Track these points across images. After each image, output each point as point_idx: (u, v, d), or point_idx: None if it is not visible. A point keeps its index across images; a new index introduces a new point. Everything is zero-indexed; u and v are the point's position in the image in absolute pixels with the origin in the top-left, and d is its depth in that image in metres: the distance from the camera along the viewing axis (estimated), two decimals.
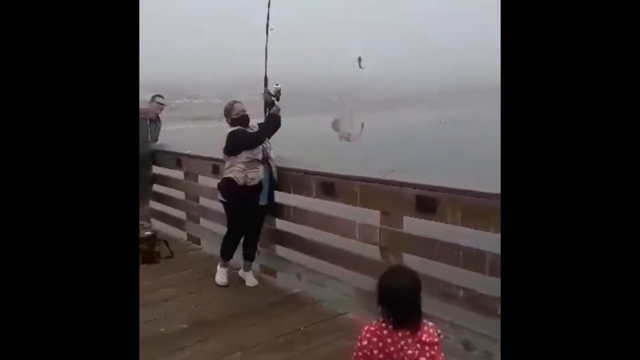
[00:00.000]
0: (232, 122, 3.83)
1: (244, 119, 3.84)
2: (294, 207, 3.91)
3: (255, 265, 4.41)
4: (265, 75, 3.90)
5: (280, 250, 4.19)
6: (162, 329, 3.28)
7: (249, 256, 4.02)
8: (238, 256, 4.08)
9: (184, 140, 5.73)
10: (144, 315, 3.44)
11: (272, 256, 4.25)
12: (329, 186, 3.49)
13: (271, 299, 3.72)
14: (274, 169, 3.88)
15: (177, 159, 5.46)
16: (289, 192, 3.95)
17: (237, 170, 3.72)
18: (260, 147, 3.80)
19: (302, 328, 3.21)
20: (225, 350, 2.97)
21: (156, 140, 5.89)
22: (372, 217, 3.35)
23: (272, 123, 3.81)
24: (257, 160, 3.79)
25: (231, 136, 3.76)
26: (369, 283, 3.40)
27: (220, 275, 3.96)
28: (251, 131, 3.82)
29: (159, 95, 5.83)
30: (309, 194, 3.68)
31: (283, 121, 3.84)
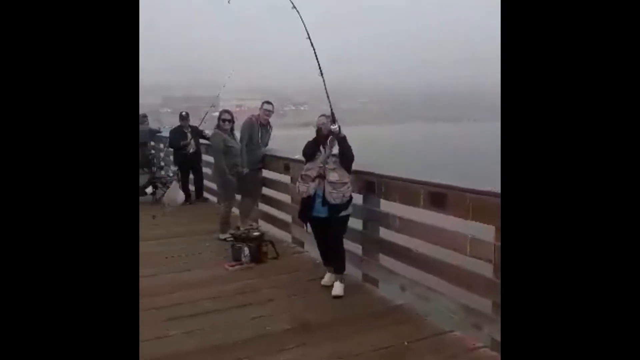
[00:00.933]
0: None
1: (317, 132, 4.01)
2: (400, 217, 3.82)
3: (357, 273, 4.39)
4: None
5: (383, 259, 4.12)
6: (268, 328, 3.38)
7: (334, 268, 4.05)
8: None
9: (292, 145, 5.86)
10: (251, 312, 3.66)
11: (375, 265, 4.20)
12: (439, 197, 3.35)
13: (374, 309, 3.67)
14: (328, 189, 3.81)
15: (285, 164, 5.63)
16: (395, 201, 3.87)
17: (298, 181, 4.03)
18: (317, 164, 3.89)
19: (405, 343, 3.11)
20: (326, 356, 2.97)
21: (266, 145, 6.12)
22: (483, 232, 3.16)
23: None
24: (309, 176, 3.89)
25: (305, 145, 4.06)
26: (479, 301, 3.21)
27: (326, 277, 4.10)
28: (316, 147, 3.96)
29: (268, 102, 6.04)
30: (416, 204, 3.57)
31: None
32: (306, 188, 3.90)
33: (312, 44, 4.25)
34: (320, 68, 4.15)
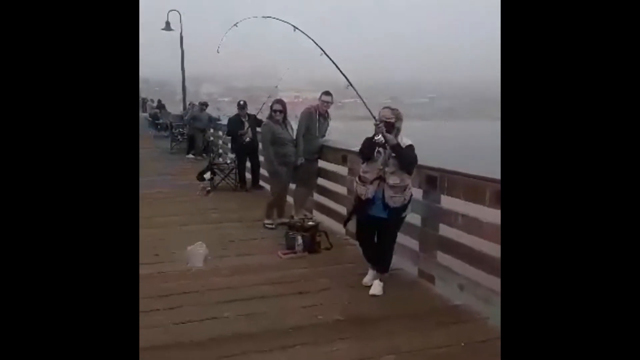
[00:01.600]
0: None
1: (377, 129, 3.67)
2: (463, 215, 3.67)
3: (413, 268, 4.28)
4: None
5: (442, 257, 3.98)
6: (320, 317, 3.35)
7: (377, 266, 3.89)
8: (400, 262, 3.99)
9: (350, 137, 5.78)
10: (303, 300, 3.64)
11: (432, 262, 4.07)
12: None
13: (430, 307, 3.56)
14: (388, 193, 3.61)
15: (343, 156, 5.56)
16: (459, 197, 3.72)
17: (355, 181, 3.83)
18: (376, 166, 3.64)
19: (462, 344, 2.99)
20: (379, 351, 2.90)
21: (323, 135, 6.08)
22: None
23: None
24: (367, 178, 3.67)
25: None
26: None
27: (367, 276, 3.93)
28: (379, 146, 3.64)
29: (327, 93, 5.96)
30: (480, 202, 3.41)
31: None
32: (364, 190, 3.69)
33: (331, 60, 4.10)
34: (347, 80, 4.19)
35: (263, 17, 5.76)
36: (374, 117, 3.81)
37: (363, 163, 3.78)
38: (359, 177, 3.78)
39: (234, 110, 8.63)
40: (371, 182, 3.65)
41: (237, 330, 3.14)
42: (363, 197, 3.71)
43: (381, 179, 3.62)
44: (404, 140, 3.67)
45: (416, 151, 3.68)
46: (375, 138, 3.62)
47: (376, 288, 3.78)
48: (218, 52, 6.19)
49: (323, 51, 4.86)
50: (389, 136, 3.58)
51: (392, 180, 3.60)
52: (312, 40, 4.47)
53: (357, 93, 4.67)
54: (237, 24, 6.02)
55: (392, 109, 3.74)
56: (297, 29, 4.96)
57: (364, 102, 4.46)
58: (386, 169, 3.61)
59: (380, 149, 3.63)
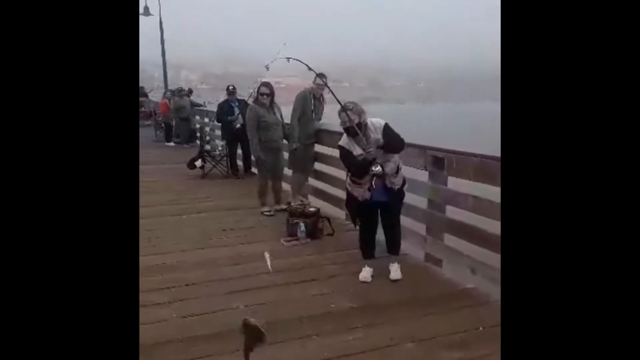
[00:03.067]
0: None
1: (346, 130, 3.49)
2: (474, 196, 3.60)
3: (420, 253, 4.22)
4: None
5: (450, 240, 3.92)
6: (332, 305, 3.26)
7: (390, 250, 3.79)
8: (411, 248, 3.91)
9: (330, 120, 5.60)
10: (313, 288, 3.55)
11: (439, 245, 4.00)
12: None
13: (441, 291, 3.50)
14: (389, 180, 3.50)
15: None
16: (468, 179, 3.64)
17: (347, 183, 3.70)
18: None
19: (480, 328, 2.93)
20: (398, 337, 2.83)
21: (319, 119, 5.95)
22: None
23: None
24: (362, 182, 3.52)
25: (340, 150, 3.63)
26: None
27: (365, 272, 3.74)
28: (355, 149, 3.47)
29: (321, 75, 5.76)
30: (492, 182, 3.33)
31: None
32: (361, 193, 3.55)
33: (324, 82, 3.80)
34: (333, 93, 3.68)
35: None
36: (340, 104, 3.50)
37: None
38: (351, 180, 3.62)
39: (212, 98, 8.42)
40: (369, 188, 3.49)
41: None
42: (361, 199, 3.59)
43: (377, 176, 3.44)
44: (375, 123, 3.48)
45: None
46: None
47: (396, 273, 3.70)
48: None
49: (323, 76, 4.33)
50: (375, 140, 3.41)
51: (389, 168, 3.48)
52: (306, 65, 4.10)
53: (332, 93, 4.17)
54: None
55: (349, 109, 3.42)
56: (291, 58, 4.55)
57: (337, 100, 4.00)
58: (378, 161, 3.42)
59: (356, 152, 3.46)
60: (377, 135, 3.45)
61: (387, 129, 3.49)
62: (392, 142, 3.46)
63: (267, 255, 2.53)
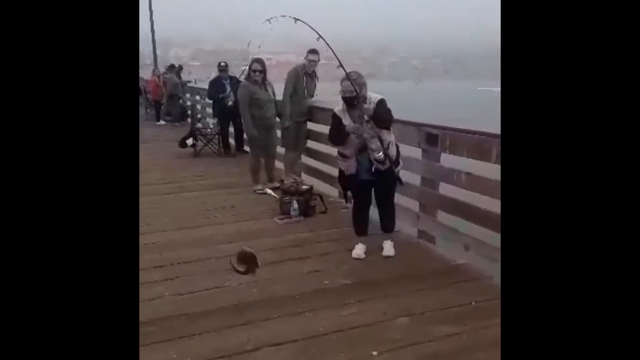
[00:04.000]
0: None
1: (345, 100, 3.46)
2: (466, 173, 3.60)
3: (413, 230, 4.24)
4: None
5: (445, 217, 3.94)
6: (326, 282, 3.28)
7: (383, 227, 3.81)
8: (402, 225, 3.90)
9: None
10: (306, 266, 3.57)
11: (432, 222, 4.02)
12: None
13: (434, 267, 3.53)
14: (372, 154, 3.44)
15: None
16: (462, 155, 3.64)
17: (337, 157, 3.69)
18: (353, 142, 3.45)
19: (473, 303, 2.97)
20: (391, 312, 2.86)
21: (312, 96, 5.89)
22: None
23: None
24: (346, 154, 3.53)
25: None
26: None
27: (358, 248, 3.74)
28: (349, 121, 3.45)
29: (313, 51, 5.67)
30: (487, 159, 3.34)
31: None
32: (347, 167, 3.56)
33: (327, 44, 3.71)
34: (340, 62, 3.43)
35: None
36: (351, 83, 3.39)
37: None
38: (339, 154, 3.63)
39: (203, 75, 8.32)
40: (356, 157, 3.50)
41: (241, 298, 3.05)
42: (347, 173, 3.61)
43: (363, 149, 3.45)
44: (372, 97, 3.46)
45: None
46: (375, 155, 3.39)
47: (389, 250, 3.73)
48: None
49: (321, 37, 4.30)
50: (366, 109, 3.37)
51: (374, 144, 3.43)
52: (312, 28, 3.99)
53: (343, 69, 4.07)
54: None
55: (353, 79, 3.38)
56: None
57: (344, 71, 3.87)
58: (365, 136, 3.41)
59: (350, 118, 3.44)
60: (370, 108, 3.42)
61: (380, 103, 3.46)
62: (380, 116, 3.41)
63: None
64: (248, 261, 3.42)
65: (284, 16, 4.50)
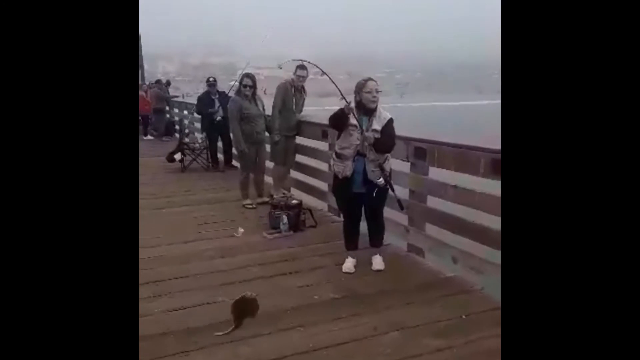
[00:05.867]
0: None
1: (347, 109, 3.46)
2: (454, 186, 3.64)
3: (402, 243, 4.26)
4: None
5: (434, 230, 3.97)
6: (316, 297, 3.28)
7: (373, 241, 3.82)
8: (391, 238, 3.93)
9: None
10: (296, 280, 3.56)
11: (421, 235, 4.05)
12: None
13: (424, 281, 3.55)
14: (370, 167, 3.48)
15: (323, 131, 5.44)
16: (450, 169, 3.68)
17: (332, 158, 3.69)
18: (354, 142, 3.46)
19: (463, 316, 2.99)
20: (382, 327, 2.86)
21: (301, 111, 5.93)
22: None
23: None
24: (344, 155, 3.51)
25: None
26: None
27: (348, 262, 3.75)
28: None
29: (302, 67, 5.68)
30: (474, 173, 3.38)
31: None
32: (342, 168, 3.54)
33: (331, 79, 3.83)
34: (342, 94, 3.53)
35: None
36: (343, 96, 3.52)
37: (338, 138, 3.60)
38: (336, 154, 3.61)
39: (191, 89, 8.33)
40: (353, 160, 3.49)
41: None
42: (340, 176, 3.57)
43: (361, 155, 3.47)
44: (383, 114, 3.50)
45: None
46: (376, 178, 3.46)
47: (379, 263, 3.74)
48: None
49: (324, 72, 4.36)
50: (367, 137, 3.43)
51: (374, 154, 3.47)
52: (321, 70, 4.07)
53: (332, 83, 4.04)
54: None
55: (377, 89, 3.45)
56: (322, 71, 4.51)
57: (337, 87, 3.74)
58: (366, 143, 3.45)
59: (356, 120, 3.44)
60: (378, 126, 3.46)
61: (389, 123, 3.49)
62: (385, 139, 3.45)
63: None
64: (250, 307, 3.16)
65: (296, 60, 4.66)
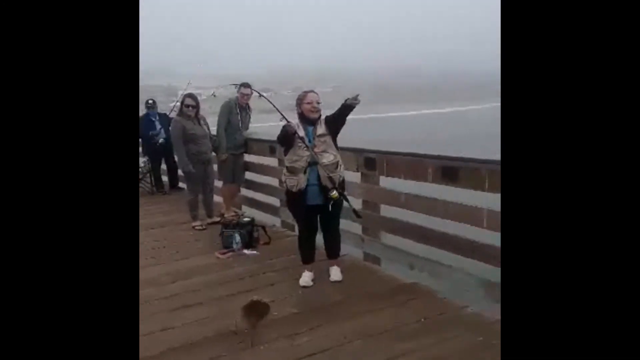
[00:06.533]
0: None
1: (305, 114, 3.53)
2: (406, 194, 3.73)
3: (358, 252, 4.29)
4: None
5: (388, 238, 4.03)
6: (275, 313, 3.21)
7: (329, 254, 3.83)
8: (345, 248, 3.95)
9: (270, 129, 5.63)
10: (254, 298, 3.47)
11: (377, 244, 4.10)
12: (451, 170, 3.27)
13: (382, 288, 3.57)
14: (323, 174, 3.47)
15: (271, 147, 5.43)
16: (399, 177, 3.77)
17: (283, 174, 3.68)
18: (303, 155, 3.46)
19: (422, 320, 3.03)
20: (345, 336, 2.85)
21: (247, 128, 5.89)
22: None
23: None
24: (296, 168, 3.49)
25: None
26: (494, 274, 3.17)
27: (305, 276, 3.72)
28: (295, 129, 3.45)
29: (245, 85, 5.67)
30: (423, 179, 3.48)
31: None
32: (296, 182, 3.51)
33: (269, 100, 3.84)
34: (282, 114, 3.57)
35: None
36: (283, 116, 3.55)
37: (286, 154, 3.58)
38: (287, 168, 3.58)
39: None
40: (304, 171, 3.48)
41: (189, 338, 2.92)
42: (295, 189, 3.53)
43: (314, 163, 3.45)
44: (321, 119, 3.58)
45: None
46: (330, 194, 3.45)
47: (336, 274, 3.72)
48: None
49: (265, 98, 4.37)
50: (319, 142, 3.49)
51: (326, 158, 3.47)
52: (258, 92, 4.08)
53: (270, 103, 3.82)
54: None
55: (317, 95, 3.59)
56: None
57: (275, 108, 3.72)
58: (316, 150, 3.45)
59: (301, 131, 3.46)
60: (323, 130, 3.52)
61: (327, 116, 3.57)
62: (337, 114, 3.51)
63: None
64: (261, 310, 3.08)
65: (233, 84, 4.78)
